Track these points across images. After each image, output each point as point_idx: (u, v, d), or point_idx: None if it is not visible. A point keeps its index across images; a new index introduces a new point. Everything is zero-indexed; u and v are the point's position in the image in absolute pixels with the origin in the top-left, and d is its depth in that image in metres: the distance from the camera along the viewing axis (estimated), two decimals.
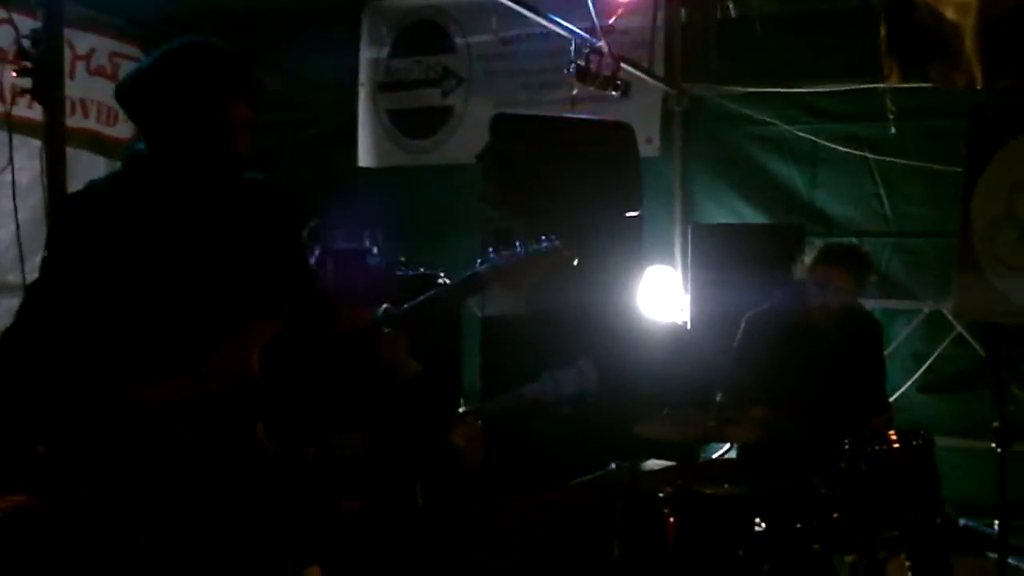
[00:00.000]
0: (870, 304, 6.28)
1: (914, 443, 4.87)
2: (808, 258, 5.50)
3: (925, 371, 7.42)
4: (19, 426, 3.24)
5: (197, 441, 3.12)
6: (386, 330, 3.37)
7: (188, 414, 3.13)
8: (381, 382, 3.53)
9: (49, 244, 3.28)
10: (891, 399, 6.67)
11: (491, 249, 3.52)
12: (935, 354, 7.46)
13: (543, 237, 3.54)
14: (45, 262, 3.25)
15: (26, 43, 5.72)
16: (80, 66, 8.76)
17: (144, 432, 3.09)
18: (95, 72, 8.89)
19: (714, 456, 7.20)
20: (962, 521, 5.99)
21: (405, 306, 3.41)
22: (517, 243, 3.52)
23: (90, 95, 8.82)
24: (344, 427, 3.90)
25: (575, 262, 3.59)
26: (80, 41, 8.71)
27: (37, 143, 6.43)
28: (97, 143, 8.82)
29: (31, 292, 3.27)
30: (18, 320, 3.20)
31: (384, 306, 3.41)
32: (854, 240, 7.50)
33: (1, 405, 3.26)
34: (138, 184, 3.24)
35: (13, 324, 3.20)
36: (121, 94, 3.27)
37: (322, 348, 3.32)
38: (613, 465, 5.22)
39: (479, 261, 3.49)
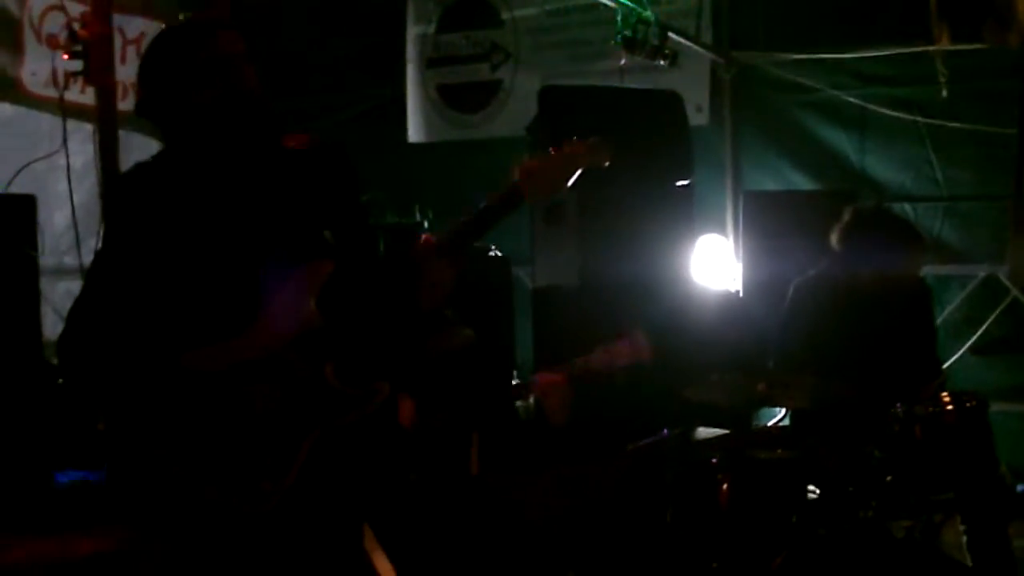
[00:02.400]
0: (923, 269, 6.24)
1: (968, 404, 4.82)
2: (850, 222, 5.42)
3: (980, 336, 7.36)
4: (88, 399, 3.28)
5: (269, 392, 3.14)
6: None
7: (252, 371, 3.15)
8: (434, 317, 3.49)
9: (105, 221, 3.34)
10: (945, 365, 6.63)
11: (526, 156, 3.39)
12: (990, 319, 7.41)
13: (575, 136, 3.42)
14: (104, 238, 3.31)
15: (77, 27, 5.83)
16: (131, 50, 8.81)
17: (211, 394, 3.12)
18: None
19: (768, 424, 7.20)
20: (1020, 487, 5.97)
21: (449, 230, 3.38)
22: (550, 147, 3.40)
23: None
24: (402, 383, 3.89)
25: (608, 160, 3.44)
26: (130, 26, 8.77)
27: (90, 127, 6.54)
28: (150, 126, 8.86)
29: (93, 268, 3.33)
30: (83, 297, 3.25)
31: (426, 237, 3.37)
32: (906, 206, 7.46)
33: (77, 385, 3.31)
34: (180, 154, 3.28)
35: (79, 300, 3.25)
36: (138, 108, 3.32)
37: (375, 280, 3.31)
38: (665, 431, 5.24)
39: (515, 170, 3.35)
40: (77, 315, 3.23)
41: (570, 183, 3.42)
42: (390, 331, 3.37)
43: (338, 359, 3.20)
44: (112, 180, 3.45)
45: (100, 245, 3.33)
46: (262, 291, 3.21)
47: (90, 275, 3.34)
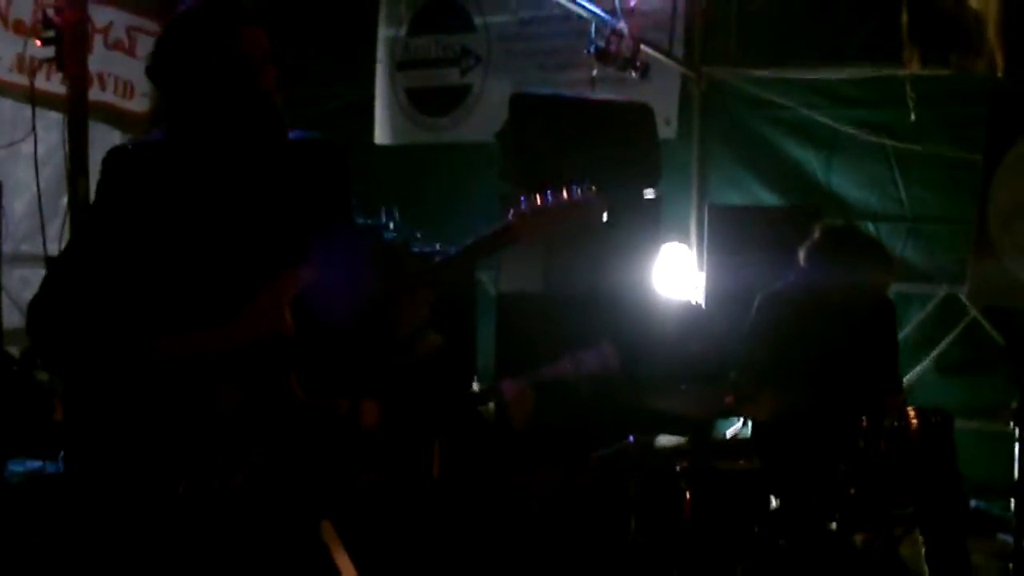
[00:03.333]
0: None
1: (933, 420, 4.89)
2: (820, 239, 5.47)
3: (939, 354, 7.45)
4: (60, 373, 3.25)
5: (230, 391, 3.14)
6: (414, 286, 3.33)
7: (221, 365, 3.14)
8: (402, 340, 3.49)
9: (97, 193, 3.32)
10: (904, 382, 6.70)
11: (522, 198, 3.28)
12: (949, 338, 7.49)
13: (575, 185, 3.32)
14: (91, 210, 3.32)
15: (51, 13, 5.76)
16: (98, 39, 8.74)
17: (178, 382, 3.11)
18: (113, 46, 8.89)
19: (727, 433, 7.24)
20: (973, 503, 6.03)
21: (436, 260, 3.38)
22: (548, 192, 3.30)
23: (108, 68, 8.83)
24: (370, 387, 3.89)
25: (605, 215, 3.36)
26: (99, 15, 8.69)
27: (55, 115, 6.48)
28: (114, 116, 8.83)
29: (76, 237, 3.31)
30: (60, 264, 3.24)
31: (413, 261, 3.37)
32: (870, 225, 7.53)
33: (42, 351, 3.29)
34: (180, 136, 3.27)
35: (55, 267, 3.24)
36: (149, 69, 3.31)
37: (353, 299, 3.31)
38: (631, 439, 5.26)
39: (509, 211, 3.27)
40: (55, 278, 3.22)
41: (563, 236, 3.39)
42: (361, 347, 3.37)
43: (304, 368, 3.20)
44: (110, 152, 3.40)
45: (89, 211, 3.30)
46: (242, 288, 3.20)
47: (72, 241, 3.32)
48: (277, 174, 3.31)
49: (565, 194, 3.33)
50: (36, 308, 3.21)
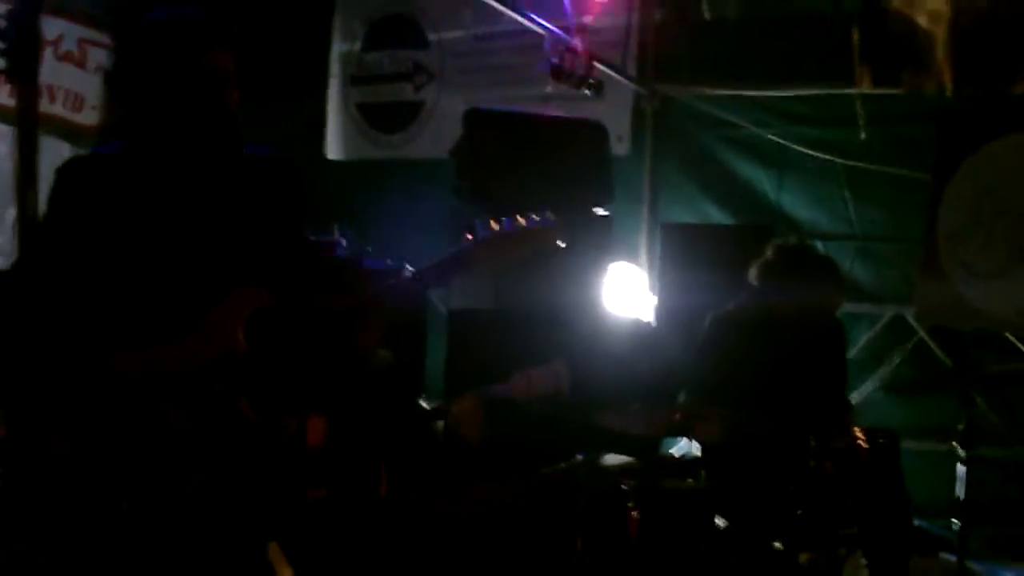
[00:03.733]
0: None
1: (880, 441, 4.91)
2: (773, 258, 5.48)
3: (886, 375, 7.48)
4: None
5: (179, 410, 3.11)
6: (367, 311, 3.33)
7: (171, 382, 3.12)
8: (353, 360, 3.48)
9: (49, 203, 3.29)
10: (853, 402, 6.73)
11: (478, 223, 3.32)
12: (897, 358, 7.52)
13: (532, 213, 3.36)
14: (43, 220, 3.27)
15: (2, 24, 5.71)
16: (48, 51, 8.68)
17: (126, 398, 3.08)
18: (63, 58, 8.82)
19: (673, 452, 7.25)
20: (916, 522, 6.05)
21: (389, 282, 3.37)
22: (506, 219, 3.34)
23: (58, 81, 8.76)
24: (318, 407, 3.88)
25: (563, 243, 3.38)
26: (50, 26, 8.64)
27: (4, 128, 6.42)
28: (64, 129, 8.76)
29: (26, 247, 3.27)
30: (9, 276, 3.20)
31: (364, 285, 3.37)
32: (818, 244, 7.55)
33: None
34: (137, 149, 3.25)
35: (4, 278, 3.19)
36: (108, 76, 3.28)
37: (307, 322, 3.30)
38: (579, 457, 5.25)
39: (467, 237, 3.31)
40: (2, 291, 3.18)
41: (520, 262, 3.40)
42: (313, 366, 3.36)
43: (255, 388, 3.18)
44: (65, 163, 3.37)
45: (42, 223, 3.30)
46: (196, 305, 3.18)
47: (23, 253, 3.28)
48: (233, 191, 3.30)
49: (522, 221, 3.35)
50: None
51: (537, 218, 3.36)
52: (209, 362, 3.14)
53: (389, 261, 6.96)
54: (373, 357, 4.16)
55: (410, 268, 3.36)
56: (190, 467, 3.12)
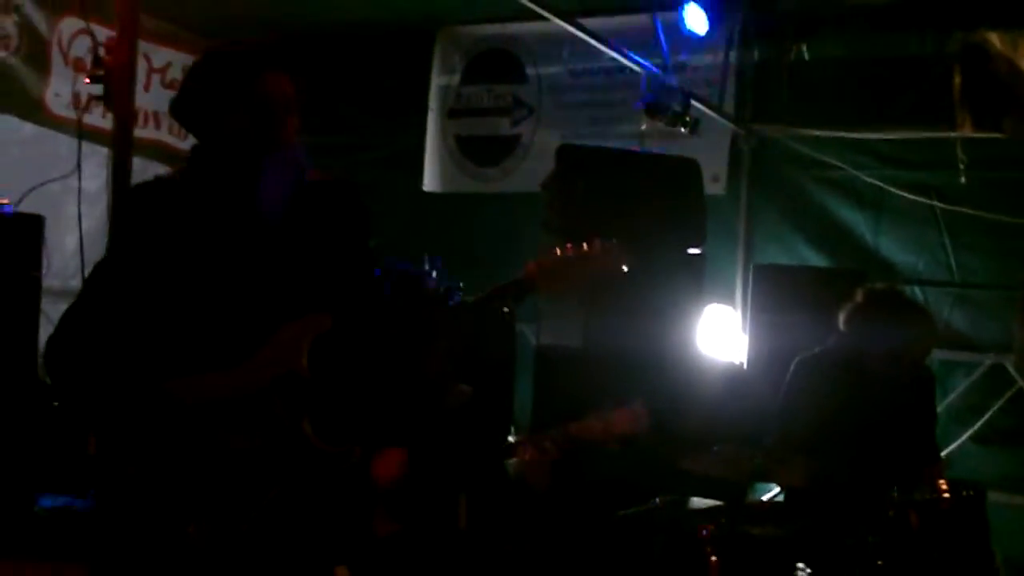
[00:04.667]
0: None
1: (965, 494, 4.78)
2: (861, 302, 5.40)
3: (982, 424, 7.31)
4: (76, 412, 3.26)
5: (243, 435, 3.13)
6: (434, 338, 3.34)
7: (235, 407, 3.13)
8: (423, 389, 3.49)
9: (115, 229, 3.34)
10: (946, 452, 6.59)
11: (542, 248, 3.39)
12: (994, 408, 7.35)
13: (596, 239, 3.41)
14: (110, 246, 3.31)
15: (102, 51, 5.84)
16: (155, 79, 8.90)
17: (191, 424, 3.10)
18: (170, 86, 9.01)
19: (763, 498, 7.13)
20: None
21: (451, 306, 3.38)
22: (569, 245, 3.39)
23: (164, 107, 8.88)
24: (391, 436, 3.88)
25: (625, 267, 3.44)
26: (157, 55, 8.85)
27: (107, 152, 6.55)
28: (168, 155, 8.92)
29: (94, 274, 3.31)
30: (79, 302, 3.24)
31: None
32: (916, 290, 7.43)
33: (60, 389, 3.30)
34: (200, 176, 3.28)
35: (74, 305, 3.23)
36: (173, 106, 3.33)
37: (369, 347, 3.30)
38: (657, 500, 5.19)
39: (528, 263, 3.37)
40: (72, 319, 3.22)
41: (584, 287, 3.44)
42: (379, 393, 3.38)
43: (318, 413, 3.19)
44: (128, 190, 3.43)
45: (105, 251, 3.31)
46: (259, 331, 3.20)
47: (90, 281, 3.32)
48: (295, 216, 3.32)
49: (585, 246, 3.40)
50: (53, 347, 3.23)
51: (601, 243, 3.40)
52: (271, 386, 3.16)
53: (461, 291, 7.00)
54: (451, 390, 4.14)
55: (463, 289, 3.39)
56: (255, 492, 3.13)
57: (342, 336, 3.25)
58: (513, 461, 5.14)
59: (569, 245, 3.39)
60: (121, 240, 3.29)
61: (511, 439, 6.54)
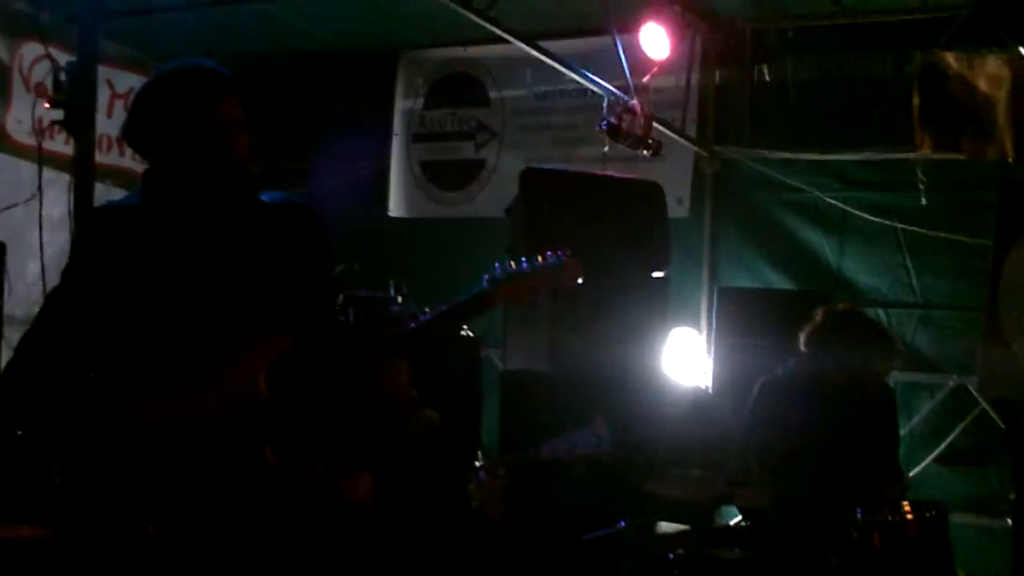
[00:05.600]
0: (894, 376, 6.21)
1: (927, 515, 4.80)
2: (820, 323, 5.42)
3: (946, 445, 7.32)
4: (34, 439, 3.23)
5: (203, 458, 3.11)
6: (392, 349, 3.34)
7: (194, 431, 3.11)
8: (384, 407, 3.48)
9: (71, 254, 3.31)
10: (911, 473, 6.59)
11: (496, 264, 3.37)
12: (957, 429, 7.35)
13: (549, 252, 3.42)
14: (65, 272, 3.27)
15: (63, 76, 5.82)
16: (118, 104, 8.85)
17: (151, 447, 3.08)
18: None
19: (730, 523, 7.13)
20: None
21: (411, 325, 3.37)
22: (523, 258, 3.40)
23: None
24: (355, 458, 3.87)
25: (580, 279, 3.44)
26: (120, 80, 8.81)
27: (70, 178, 6.51)
28: (131, 181, 8.86)
29: (49, 301, 3.29)
30: (34, 329, 3.22)
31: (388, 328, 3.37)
32: (879, 311, 7.44)
33: (17, 416, 3.28)
34: (154, 200, 3.27)
35: (30, 332, 3.21)
36: (124, 130, 3.32)
37: (328, 367, 3.29)
38: (623, 523, 5.18)
39: (484, 277, 3.36)
40: (27, 345, 3.20)
41: (541, 298, 3.46)
42: (339, 413, 3.36)
43: (279, 435, 3.18)
44: (84, 213, 3.40)
45: (62, 273, 3.29)
46: (216, 354, 3.18)
47: (46, 307, 3.29)
48: (248, 237, 3.31)
49: (540, 259, 3.41)
50: (8, 374, 3.20)
51: (555, 256, 3.41)
52: (231, 409, 3.14)
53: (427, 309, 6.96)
54: (418, 415, 4.14)
55: (427, 311, 3.37)
56: (217, 513, 3.11)
57: (302, 357, 3.24)
58: (471, 489, 5.14)
59: (524, 258, 3.40)
60: (75, 266, 3.27)
61: (477, 463, 6.53)
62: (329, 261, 3.55)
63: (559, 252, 3.43)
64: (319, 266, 3.49)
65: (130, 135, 3.30)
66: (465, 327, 7.07)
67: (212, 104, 3.20)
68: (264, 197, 3.38)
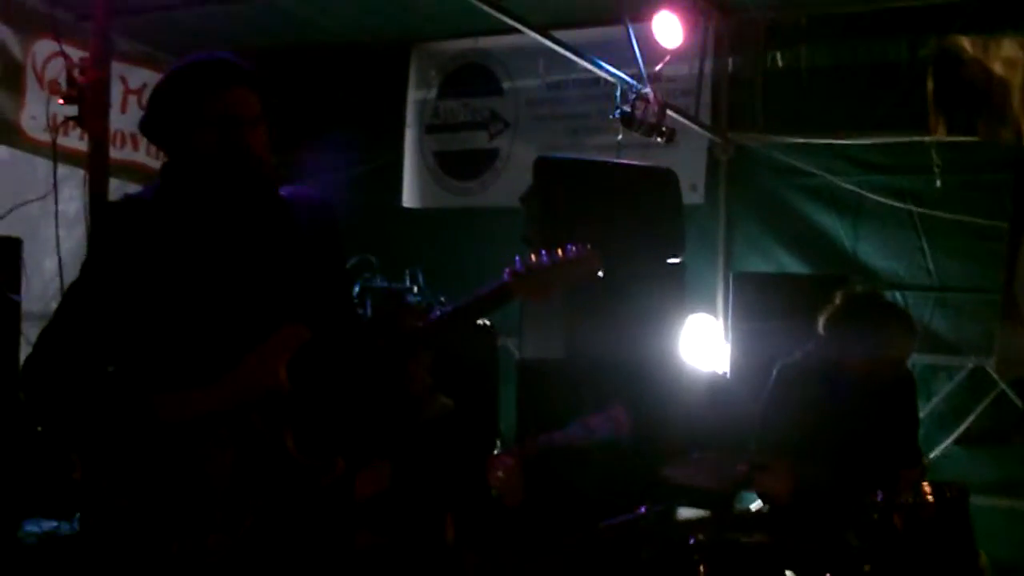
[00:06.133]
0: (912, 358, 6.20)
1: (948, 495, 4.78)
2: (840, 306, 5.40)
3: (965, 427, 7.32)
4: (54, 433, 3.25)
5: (225, 450, 3.12)
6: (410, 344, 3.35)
7: (215, 423, 3.13)
8: (405, 401, 3.49)
9: (89, 249, 3.33)
10: (931, 455, 6.59)
11: (516, 257, 3.38)
12: (976, 410, 7.35)
13: (570, 244, 3.42)
14: (84, 266, 3.29)
15: (76, 72, 5.83)
16: (132, 100, 8.88)
17: (172, 441, 3.09)
18: (146, 107, 8.97)
19: (751, 507, 7.13)
20: None
21: (430, 318, 3.38)
22: (543, 251, 3.39)
23: None
24: (374, 449, 3.87)
25: (601, 272, 3.45)
26: (133, 76, 8.84)
27: (85, 174, 6.53)
28: (145, 176, 8.89)
29: (68, 295, 3.30)
30: (53, 323, 3.24)
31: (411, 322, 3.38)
32: (896, 294, 7.43)
33: (37, 411, 3.30)
34: (171, 193, 3.28)
35: (49, 326, 3.23)
36: (142, 123, 3.33)
37: (350, 359, 3.30)
38: (643, 509, 5.18)
39: (505, 270, 3.36)
40: (47, 340, 3.21)
41: (561, 291, 3.44)
42: (359, 405, 3.38)
43: (299, 427, 3.19)
44: (102, 207, 3.40)
45: (81, 267, 3.31)
46: (236, 346, 3.19)
47: (65, 301, 3.31)
48: (268, 231, 3.32)
49: (560, 252, 3.40)
50: (29, 368, 3.22)
51: (575, 248, 3.40)
52: (251, 400, 3.15)
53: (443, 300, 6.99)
54: (432, 402, 4.14)
55: (443, 301, 3.39)
56: (238, 508, 3.13)
57: (322, 348, 3.25)
58: (491, 475, 5.14)
59: (544, 251, 3.39)
60: (94, 260, 3.28)
61: (496, 452, 6.55)
62: (343, 253, 3.57)
63: (579, 245, 3.43)
64: (336, 258, 3.51)
65: (146, 127, 3.32)
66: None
67: (220, 95, 3.21)
68: (281, 190, 3.40)
